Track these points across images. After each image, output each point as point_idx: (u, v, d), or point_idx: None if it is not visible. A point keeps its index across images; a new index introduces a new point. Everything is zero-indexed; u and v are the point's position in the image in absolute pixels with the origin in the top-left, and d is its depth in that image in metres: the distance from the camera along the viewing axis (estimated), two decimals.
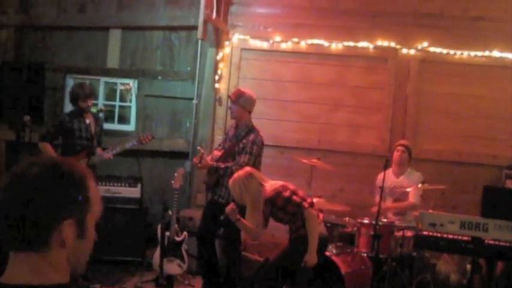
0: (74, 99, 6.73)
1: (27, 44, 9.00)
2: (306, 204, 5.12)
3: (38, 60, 8.63)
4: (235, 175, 5.36)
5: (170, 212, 6.38)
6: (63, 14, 8.91)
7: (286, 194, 5.16)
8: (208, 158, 6.22)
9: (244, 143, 6.06)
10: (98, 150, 6.76)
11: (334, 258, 5.84)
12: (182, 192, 7.44)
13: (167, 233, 6.36)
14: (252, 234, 5.53)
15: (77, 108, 6.75)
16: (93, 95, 7.00)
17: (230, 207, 5.31)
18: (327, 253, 5.83)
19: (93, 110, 7.08)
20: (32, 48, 8.96)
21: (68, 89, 8.83)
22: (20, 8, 8.99)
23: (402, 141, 6.99)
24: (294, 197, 5.15)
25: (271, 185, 5.27)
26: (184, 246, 6.45)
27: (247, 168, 5.44)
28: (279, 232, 5.66)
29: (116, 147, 6.73)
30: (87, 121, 6.77)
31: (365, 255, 6.15)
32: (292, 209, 5.17)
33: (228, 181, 6.05)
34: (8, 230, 1.55)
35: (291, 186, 5.29)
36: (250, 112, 6.24)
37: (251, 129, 6.18)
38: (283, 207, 5.18)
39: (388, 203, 6.76)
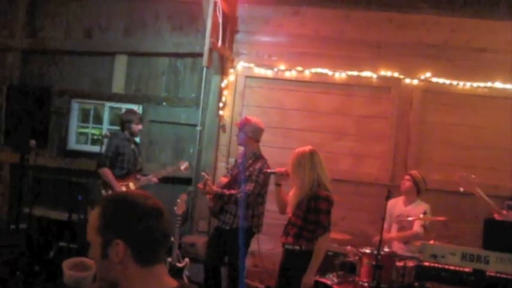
0: (127, 124, 7.14)
1: (33, 67, 9.10)
2: (328, 228, 5.14)
3: (44, 84, 8.72)
4: (301, 148, 5.32)
5: (172, 238, 6.39)
6: (70, 38, 9.02)
7: (330, 207, 5.15)
8: (213, 185, 6.25)
9: (250, 171, 6.06)
10: (138, 175, 7.21)
11: (335, 287, 5.84)
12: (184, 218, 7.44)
13: (169, 259, 6.35)
14: (280, 207, 5.58)
15: (127, 132, 7.16)
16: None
17: (284, 170, 5.41)
18: (328, 282, 5.83)
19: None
20: (38, 72, 9.06)
21: (73, 113, 8.96)
22: (27, 32, 9.10)
23: (412, 171, 7.00)
24: (330, 216, 5.16)
25: (328, 189, 5.20)
26: (185, 273, 6.45)
27: (311, 148, 5.34)
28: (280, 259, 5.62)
29: (159, 172, 7.32)
30: (132, 146, 7.18)
31: (366, 284, 6.13)
32: (316, 219, 5.12)
33: (233, 208, 6.08)
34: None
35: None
36: (257, 141, 6.23)
37: (258, 157, 6.18)
38: (316, 211, 5.12)
39: (393, 231, 6.78)
